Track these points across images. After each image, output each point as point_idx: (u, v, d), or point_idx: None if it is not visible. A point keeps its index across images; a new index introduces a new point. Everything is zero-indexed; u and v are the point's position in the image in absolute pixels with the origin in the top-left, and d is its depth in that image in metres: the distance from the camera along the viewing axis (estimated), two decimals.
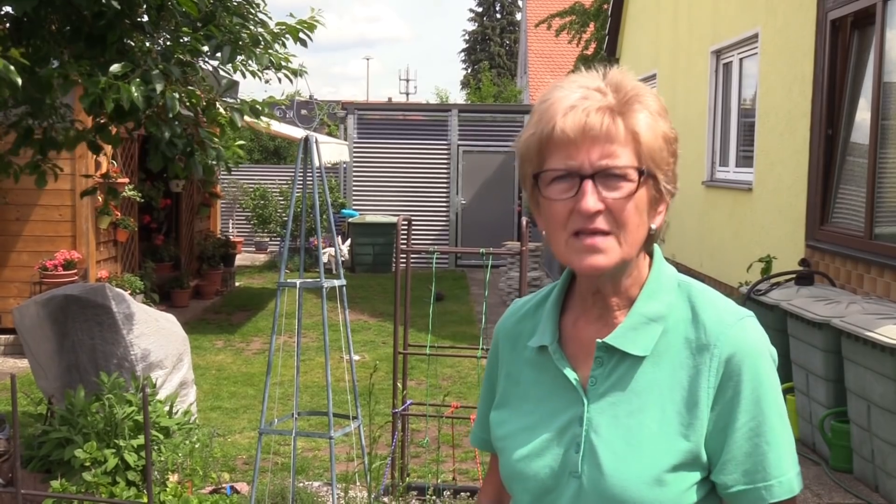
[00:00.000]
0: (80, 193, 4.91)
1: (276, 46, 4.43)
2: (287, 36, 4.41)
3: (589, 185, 1.26)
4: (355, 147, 16.01)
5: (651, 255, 1.38)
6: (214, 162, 4.50)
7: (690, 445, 1.27)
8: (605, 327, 1.35)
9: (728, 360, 1.27)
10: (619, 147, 1.27)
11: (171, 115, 3.91)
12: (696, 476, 1.28)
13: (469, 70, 48.04)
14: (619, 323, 1.34)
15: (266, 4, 4.69)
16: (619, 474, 1.27)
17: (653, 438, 1.27)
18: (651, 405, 1.29)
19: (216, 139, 4.54)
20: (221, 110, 4.36)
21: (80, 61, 3.81)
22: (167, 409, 5.07)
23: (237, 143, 4.96)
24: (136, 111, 3.79)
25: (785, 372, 5.50)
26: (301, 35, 4.39)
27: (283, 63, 4.45)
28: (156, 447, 4.68)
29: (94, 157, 4.71)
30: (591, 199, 1.25)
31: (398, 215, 4.78)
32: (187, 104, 4.13)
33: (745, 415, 1.27)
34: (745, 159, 8.55)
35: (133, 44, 4.02)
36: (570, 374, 1.35)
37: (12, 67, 3.27)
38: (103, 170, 8.65)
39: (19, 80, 3.33)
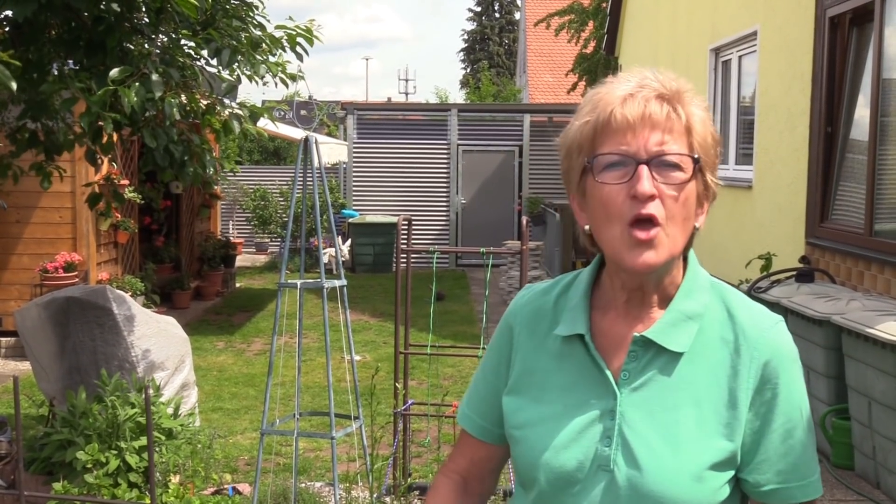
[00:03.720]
0: (85, 200, 4.92)
1: (277, 50, 4.43)
2: (286, 42, 4.41)
3: (644, 169, 1.26)
4: (355, 147, 16.01)
5: (685, 259, 1.39)
6: (210, 170, 4.50)
7: (731, 445, 1.29)
8: (638, 322, 1.36)
9: (766, 363, 1.30)
10: (675, 136, 1.28)
11: (168, 123, 3.92)
12: (730, 474, 1.31)
13: (468, 69, 48.03)
14: (654, 319, 1.35)
15: (264, 6, 4.69)
16: (658, 470, 1.27)
17: (691, 436, 1.28)
18: (687, 402, 1.30)
19: (208, 148, 4.54)
20: (222, 114, 4.36)
21: (79, 74, 3.81)
22: (170, 410, 5.07)
23: (234, 158, 5.01)
24: (135, 118, 3.80)
25: None
26: (298, 49, 4.38)
27: (280, 69, 4.45)
28: (157, 448, 4.68)
29: (106, 156, 4.71)
30: (647, 183, 1.26)
31: (398, 215, 4.79)
32: (186, 109, 4.13)
33: (782, 417, 1.30)
34: (745, 157, 8.55)
35: (133, 47, 4.02)
36: (604, 366, 1.34)
37: (8, 72, 3.27)
38: (103, 172, 8.64)
39: (14, 84, 3.34)
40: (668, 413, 1.30)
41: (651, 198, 1.26)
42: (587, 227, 1.35)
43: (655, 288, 1.35)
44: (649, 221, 1.26)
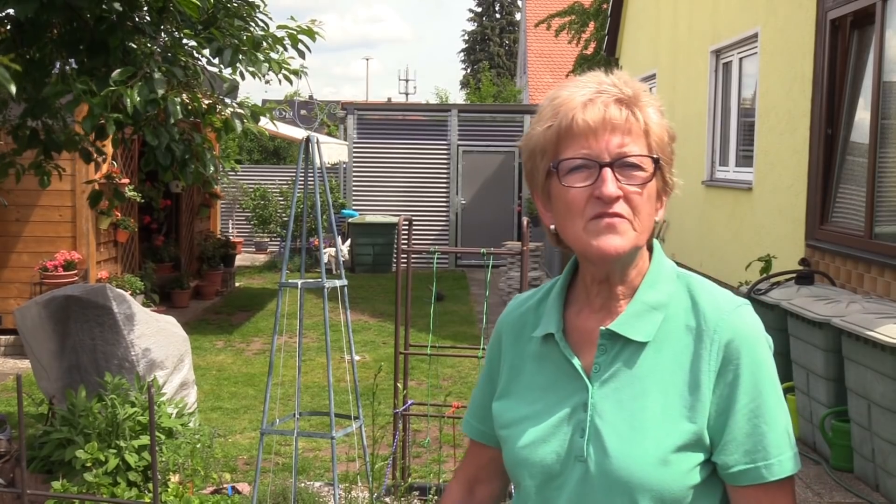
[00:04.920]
0: (87, 198, 4.93)
1: (279, 48, 4.43)
2: (287, 41, 4.41)
3: (608, 172, 1.32)
4: (355, 147, 16.01)
5: (651, 250, 1.44)
6: (211, 169, 4.50)
7: (694, 427, 1.32)
8: (607, 316, 1.41)
9: (727, 344, 1.34)
10: (634, 137, 1.34)
11: (172, 121, 3.92)
12: (700, 457, 1.33)
13: (468, 70, 48.04)
14: (621, 312, 1.39)
15: (266, 5, 4.69)
16: (625, 456, 1.31)
17: (656, 421, 1.32)
18: (654, 389, 1.34)
19: (209, 147, 4.54)
20: (223, 113, 4.36)
21: (81, 76, 3.81)
22: (171, 410, 5.07)
23: (234, 157, 5.02)
24: (137, 116, 3.80)
25: (785, 371, 5.50)
26: (300, 46, 4.38)
27: (283, 66, 4.46)
28: (157, 447, 4.68)
29: (100, 156, 4.72)
30: (612, 185, 1.32)
31: (398, 215, 4.79)
32: (188, 108, 4.14)
33: (745, 397, 1.33)
34: (745, 159, 8.55)
35: (135, 46, 4.02)
36: (576, 362, 1.39)
37: (8, 75, 3.28)
38: (103, 171, 8.65)
39: (13, 88, 3.35)
40: (636, 401, 1.34)
41: (617, 198, 1.32)
42: (552, 226, 1.41)
43: (621, 279, 1.40)
44: (614, 216, 1.33)
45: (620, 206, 1.32)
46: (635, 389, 1.35)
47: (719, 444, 1.33)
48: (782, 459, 1.33)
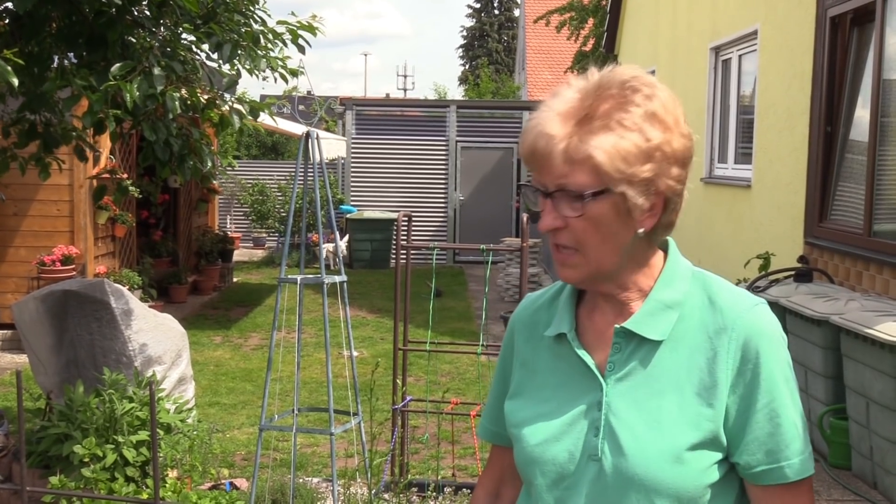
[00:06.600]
0: (92, 193, 4.92)
1: (278, 44, 4.42)
2: (287, 36, 4.40)
3: (548, 203, 1.32)
4: (353, 143, 16.00)
5: (665, 250, 1.43)
6: (209, 165, 4.50)
7: (710, 425, 1.31)
8: (620, 316, 1.40)
9: (746, 343, 1.32)
10: (575, 167, 1.28)
11: (170, 116, 3.91)
12: (717, 456, 1.32)
13: (467, 66, 47.99)
14: (634, 311, 1.38)
15: (265, 1, 4.68)
16: (641, 454, 1.30)
17: (673, 419, 1.31)
18: (670, 388, 1.33)
19: (207, 142, 4.53)
20: (222, 108, 4.36)
21: (80, 70, 3.80)
22: (169, 406, 5.06)
23: (233, 153, 5.02)
24: (136, 111, 3.79)
25: None
26: (300, 41, 4.38)
27: (281, 64, 4.45)
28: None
29: (92, 153, 4.72)
30: (547, 218, 1.32)
31: (396, 211, 4.78)
32: (187, 103, 4.13)
33: (766, 396, 1.32)
34: (744, 156, 8.55)
35: (134, 41, 4.01)
36: (589, 360, 1.39)
37: (10, 68, 3.27)
38: (101, 165, 8.63)
39: (16, 81, 3.34)
40: (652, 399, 1.33)
41: (554, 230, 1.31)
42: None
43: (619, 288, 1.39)
44: (561, 247, 1.34)
45: (563, 237, 1.31)
46: (651, 388, 1.34)
47: (741, 444, 1.32)
48: (803, 459, 1.33)
